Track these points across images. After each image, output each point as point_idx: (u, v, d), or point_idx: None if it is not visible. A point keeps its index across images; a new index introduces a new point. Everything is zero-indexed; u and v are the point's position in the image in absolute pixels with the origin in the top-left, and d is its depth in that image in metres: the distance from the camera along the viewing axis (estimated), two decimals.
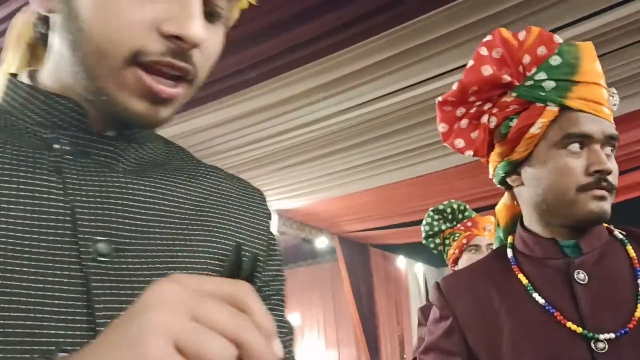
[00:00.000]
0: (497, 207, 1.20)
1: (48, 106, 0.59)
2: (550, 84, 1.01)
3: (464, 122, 1.11)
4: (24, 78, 0.63)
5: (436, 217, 2.63)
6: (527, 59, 1.05)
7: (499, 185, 1.15)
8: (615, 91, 1.07)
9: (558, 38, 1.05)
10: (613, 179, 1.00)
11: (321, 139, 3.96)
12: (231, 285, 0.40)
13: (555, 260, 1.03)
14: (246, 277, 0.53)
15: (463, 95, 1.07)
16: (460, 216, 2.60)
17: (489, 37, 1.07)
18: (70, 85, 0.59)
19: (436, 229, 2.63)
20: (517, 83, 1.05)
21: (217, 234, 0.63)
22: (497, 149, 1.09)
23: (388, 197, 5.04)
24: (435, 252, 2.66)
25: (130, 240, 0.56)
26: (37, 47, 0.67)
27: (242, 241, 0.66)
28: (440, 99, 1.10)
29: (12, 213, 0.51)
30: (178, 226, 0.61)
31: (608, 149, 1.01)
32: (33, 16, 0.66)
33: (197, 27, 0.54)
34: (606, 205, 0.98)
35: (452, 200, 2.64)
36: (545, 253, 1.04)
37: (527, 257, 1.06)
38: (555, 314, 0.98)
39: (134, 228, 0.57)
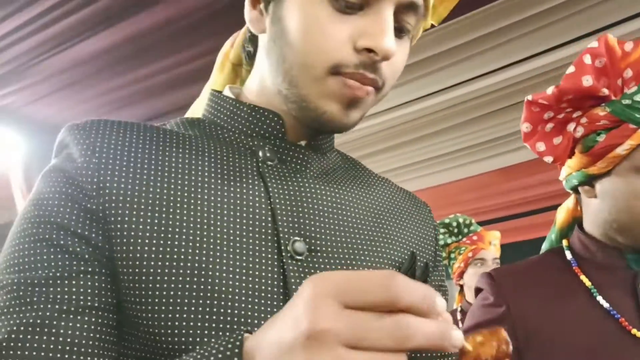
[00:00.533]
0: (559, 209, 1.22)
1: (252, 117, 0.67)
2: None
3: (549, 126, 1.11)
4: (227, 93, 0.71)
5: (442, 230, 2.66)
6: (628, 72, 1.04)
7: (567, 190, 1.16)
8: None
9: None
10: None
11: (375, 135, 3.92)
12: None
13: (619, 269, 1.05)
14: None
15: (557, 100, 1.07)
16: (465, 230, 2.62)
17: (594, 44, 1.06)
18: (272, 97, 0.67)
19: (442, 242, 2.65)
20: (613, 97, 1.04)
21: (394, 242, 0.68)
22: (577, 159, 1.09)
23: None
24: None
25: (322, 242, 0.62)
26: (241, 67, 0.78)
27: (417, 250, 0.70)
28: (530, 98, 1.10)
29: (222, 212, 0.58)
30: (361, 231, 0.66)
31: None
32: (241, 38, 0.77)
33: (389, 42, 0.59)
34: None
35: (458, 214, 2.66)
36: (608, 260, 1.06)
37: (586, 261, 1.08)
38: (620, 319, 1.01)
39: (324, 230, 0.63)
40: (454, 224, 2.65)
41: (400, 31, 0.63)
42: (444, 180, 4.29)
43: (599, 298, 1.03)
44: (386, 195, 0.74)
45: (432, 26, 0.75)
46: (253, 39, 0.72)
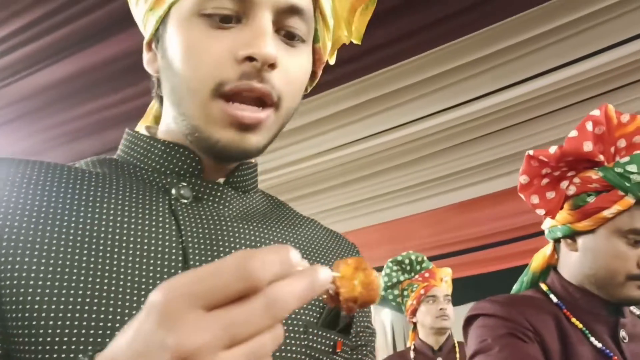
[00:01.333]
0: (536, 255, 1.29)
1: (167, 154, 0.63)
2: (637, 178, 1.10)
3: (544, 181, 1.19)
4: (143, 131, 0.69)
5: (395, 268, 2.69)
6: (622, 142, 1.14)
7: (548, 239, 1.24)
8: None
9: None
10: None
11: (320, 174, 3.98)
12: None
13: (601, 315, 1.13)
14: (343, 327, 0.57)
15: (557, 160, 1.14)
16: (418, 267, 2.66)
17: (596, 112, 1.15)
18: (177, 132, 0.63)
19: (395, 280, 2.68)
20: (606, 163, 1.10)
21: None
22: (565, 214, 1.17)
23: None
24: (394, 303, 2.70)
25: None
26: (159, 113, 0.74)
27: None
28: (531, 152, 1.17)
29: (127, 252, 0.54)
30: None
31: None
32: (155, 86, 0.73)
33: (267, 46, 0.56)
34: None
35: (410, 252, 2.70)
36: (591, 307, 1.13)
37: (570, 305, 1.15)
38: (613, 357, 1.08)
39: None
40: (407, 261, 2.68)
41: (290, 37, 0.61)
42: (399, 215, 4.34)
43: (592, 339, 1.09)
44: (311, 236, 0.71)
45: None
46: (159, 81, 0.69)
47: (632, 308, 1.20)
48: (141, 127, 0.72)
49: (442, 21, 2.64)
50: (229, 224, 0.62)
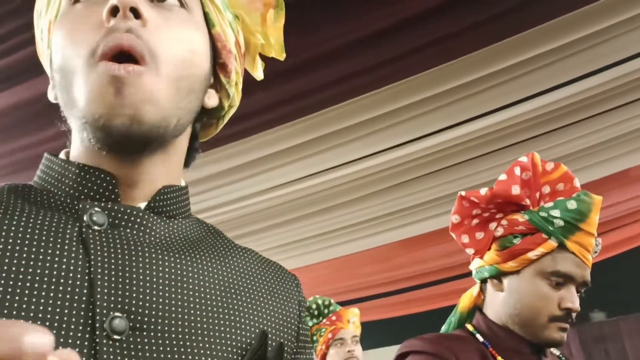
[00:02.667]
0: (463, 295, 1.32)
1: (81, 178, 0.58)
2: (560, 222, 1.15)
3: (474, 222, 1.23)
4: (62, 155, 0.64)
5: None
6: (546, 189, 1.20)
7: (475, 279, 1.28)
8: (600, 241, 1.24)
9: (577, 182, 1.21)
10: (575, 316, 1.17)
11: (266, 210, 3.96)
12: None
13: (525, 354, 1.17)
14: None
15: (487, 201, 1.18)
16: (325, 311, 2.67)
17: (524, 158, 1.21)
18: (86, 149, 0.60)
19: None
20: (531, 207, 1.15)
21: (243, 319, 0.60)
22: (492, 255, 1.21)
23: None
24: None
25: (151, 319, 0.53)
26: None
27: (269, 328, 0.62)
28: (463, 193, 1.21)
29: (28, 283, 0.50)
30: (205, 307, 0.58)
31: (578, 291, 1.18)
32: None
33: None
34: (565, 336, 1.15)
35: (317, 296, 2.70)
36: (516, 346, 1.17)
37: (496, 345, 1.18)
38: None
39: (155, 306, 0.54)
40: (314, 306, 2.68)
41: None
42: (347, 252, 4.36)
43: None
44: (244, 267, 0.66)
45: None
46: None
47: (552, 349, 1.25)
48: (62, 151, 0.66)
49: (388, 62, 2.72)
50: (147, 252, 0.56)
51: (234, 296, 0.61)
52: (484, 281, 1.26)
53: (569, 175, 1.20)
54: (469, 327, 1.23)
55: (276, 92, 2.81)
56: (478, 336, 1.20)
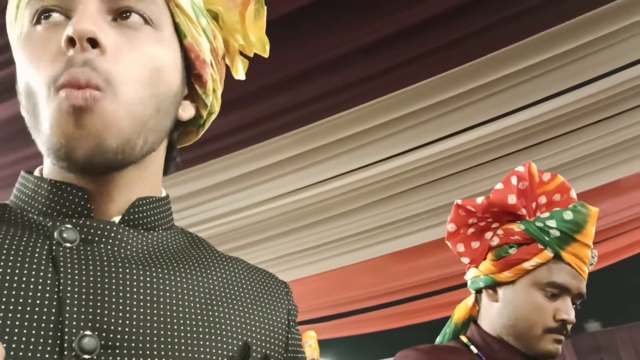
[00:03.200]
0: (458, 306, 1.31)
1: (53, 194, 0.57)
2: (556, 233, 1.14)
3: (470, 230, 1.22)
4: (37, 172, 0.63)
5: None
6: (543, 199, 1.19)
7: (470, 289, 1.26)
8: (596, 252, 1.23)
9: (574, 193, 1.21)
10: (570, 328, 1.16)
11: (260, 223, 3.95)
12: None
13: None
14: None
15: (483, 210, 1.17)
16: None
17: (521, 168, 1.21)
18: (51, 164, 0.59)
19: None
20: (528, 217, 1.15)
21: (226, 331, 0.58)
22: (488, 265, 1.20)
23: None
24: None
25: (124, 336, 0.51)
26: None
27: (254, 340, 0.60)
28: (459, 202, 1.21)
29: (2, 306, 0.49)
30: (185, 321, 0.56)
31: (574, 302, 1.17)
32: None
33: (79, 22, 0.52)
34: (560, 348, 1.15)
35: None
36: (508, 358, 1.16)
37: (490, 357, 1.17)
38: None
39: (130, 322, 0.52)
40: None
41: (124, 16, 0.56)
42: (340, 264, 4.35)
43: None
44: (229, 277, 0.64)
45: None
46: None
47: None
48: (37, 169, 0.65)
49: (383, 73, 2.74)
50: (120, 267, 0.55)
51: (216, 308, 0.60)
52: (479, 291, 1.25)
53: (565, 186, 1.20)
54: (463, 338, 1.22)
55: (270, 104, 2.82)
56: (472, 348, 1.19)
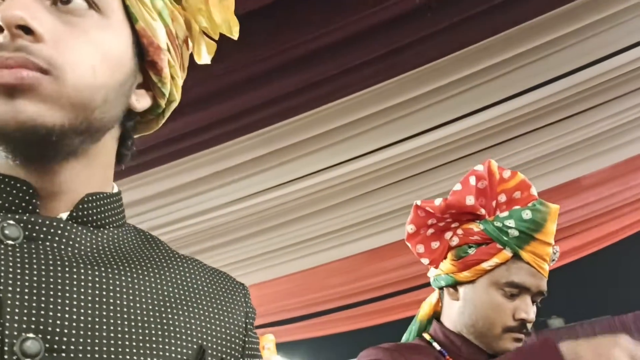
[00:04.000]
0: (423, 303, 1.32)
1: None
2: (514, 233, 1.15)
3: (430, 231, 1.22)
4: None
5: None
6: (503, 197, 1.20)
7: (435, 287, 1.27)
8: (557, 249, 1.23)
9: (534, 190, 1.21)
10: (529, 327, 1.17)
11: (229, 224, 3.92)
12: None
13: None
14: None
15: (442, 212, 1.18)
16: None
17: (480, 167, 1.21)
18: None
19: None
20: (487, 217, 1.16)
21: (179, 334, 0.56)
22: (448, 264, 1.21)
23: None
24: None
25: (70, 339, 0.49)
26: None
27: (209, 342, 0.58)
28: (419, 202, 1.20)
29: None
30: (132, 323, 0.54)
31: (534, 300, 1.18)
32: None
33: (8, 8, 0.50)
34: (519, 347, 1.15)
35: None
36: (472, 355, 1.17)
37: (453, 353, 1.18)
38: None
39: (75, 324, 0.50)
40: None
41: (65, 1, 0.54)
42: (311, 265, 4.35)
43: None
44: (184, 278, 0.61)
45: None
46: None
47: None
48: None
49: (349, 71, 2.75)
50: (67, 266, 0.52)
51: (169, 309, 0.57)
52: (441, 289, 1.26)
53: (525, 184, 1.20)
54: (426, 336, 1.23)
55: (236, 103, 2.81)
56: (435, 345, 1.20)
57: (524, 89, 3.17)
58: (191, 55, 0.70)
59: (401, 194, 3.68)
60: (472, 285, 1.17)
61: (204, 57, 0.70)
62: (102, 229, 0.58)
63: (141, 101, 0.62)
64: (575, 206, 4.55)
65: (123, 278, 0.56)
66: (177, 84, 0.66)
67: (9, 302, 0.48)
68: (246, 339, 0.63)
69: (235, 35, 0.69)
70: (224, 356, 0.59)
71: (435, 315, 1.28)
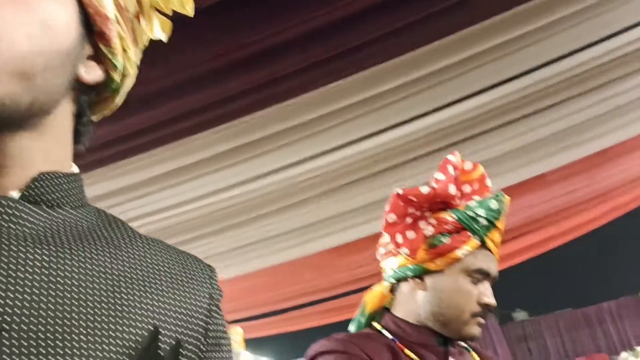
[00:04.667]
0: (370, 295, 1.32)
1: None
2: (484, 222, 1.20)
3: (408, 220, 1.22)
4: None
5: None
6: (467, 188, 1.23)
7: (392, 279, 1.27)
8: None
9: (489, 181, 1.26)
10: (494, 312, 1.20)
11: (202, 218, 3.87)
12: None
13: (432, 346, 1.20)
14: None
15: (428, 200, 1.20)
16: None
17: (452, 157, 1.23)
18: None
19: None
20: (459, 206, 1.18)
21: (132, 315, 0.54)
22: (420, 253, 1.22)
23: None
24: None
25: (13, 319, 0.48)
26: None
27: (164, 324, 0.56)
28: (401, 191, 1.21)
29: None
30: (81, 305, 0.52)
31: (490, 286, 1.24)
32: None
33: None
34: (480, 330, 1.21)
35: None
36: (423, 339, 1.20)
37: (403, 339, 1.21)
38: None
39: (21, 305, 0.48)
40: None
41: None
42: (284, 259, 4.34)
43: None
44: (144, 258, 0.60)
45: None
46: None
47: (460, 343, 1.28)
48: None
49: (316, 65, 2.75)
50: (15, 246, 0.51)
51: (123, 290, 0.55)
52: (399, 281, 1.26)
53: (484, 176, 1.25)
54: (377, 325, 1.24)
55: (199, 97, 2.78)
56: (386, 333, 1.22)
57: (488, 85, 3.22)
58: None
59: (372, 189, 3.70)
60: (441, 274, 1.19)
61: (157, 32, 0.68)
62: (57, 208, 0.57)
63: (91, 73, 0.60)
64: (541, 201, 4.65)
65: (75, 258, 0.54)
66: (130, 57, 0.64)
67: None
68: (210, 321, 0.61)
69: (189, 12, 0.67)
70: (182, 337, 0.57)
71: (384, 308, 1.28)
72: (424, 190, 1.20)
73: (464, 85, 3.12)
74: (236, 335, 2.63)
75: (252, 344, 6.18)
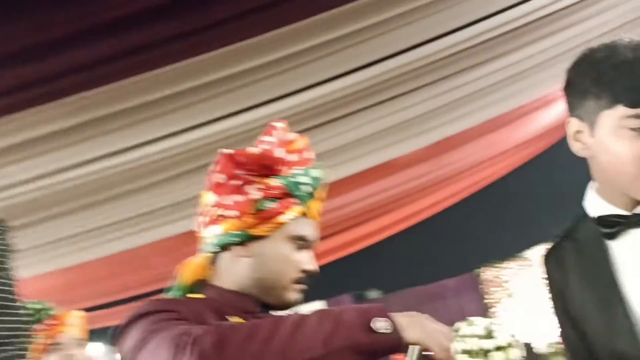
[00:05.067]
0: (188, 267, 1.25)
1: None
2: (308, 189, 1.21)
3: (237, 182, 1.20)
4: None
5: None
6: (292, 157, 1.23)
7: (215, 247, 1.21)
8: None
9: (311, 153, 1.27)
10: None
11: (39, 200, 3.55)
12: None
13: (254, 313, 1.17)
14: None
15: (254, 162, 1.18)
16: (39, 316, 2.58)
17: (279, 124, 1.24)
18: None
19: None
20: (284, 172, 1.19)
21: None
22: (245, 218, 1.19)
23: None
24: None
25: None
26: None
27: None
28: (232, 151, 1.18)
29: None
30: None
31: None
32: None
33: None
34: (301, 298, 1.22)
35: (34, 300, 2.59)
36: (244, 306, 1.17)
37: (224, 305, 1.16)
38: None
39: None
40: (30, 311, 2.57)
41: None
42: (129, 246, 4.15)
43: None
44: None
45: None
46: None
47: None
48: None
49: (199, 31, 2.65)
50: None
51: None
52: (222, 248, 1.21)
53: (308, 146, 1.27)
54: (199, 296, 1.19)
55: (45, 66, 2.56)
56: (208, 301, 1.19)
57: (342, 71, 3.30)
58: None
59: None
60: (266, 240, 1.19)
61: None
62: None
63: None
64: (391, 185, 4.90)
65: None
66: None
67: None
68: None
69: None
70: None
71: (202, 281, 1.22)
72: (253, 150, 1.19)
73: (313, 73, 3.17)
74: (73, 318, 2.43)
75: (98, 333, 5.87)
